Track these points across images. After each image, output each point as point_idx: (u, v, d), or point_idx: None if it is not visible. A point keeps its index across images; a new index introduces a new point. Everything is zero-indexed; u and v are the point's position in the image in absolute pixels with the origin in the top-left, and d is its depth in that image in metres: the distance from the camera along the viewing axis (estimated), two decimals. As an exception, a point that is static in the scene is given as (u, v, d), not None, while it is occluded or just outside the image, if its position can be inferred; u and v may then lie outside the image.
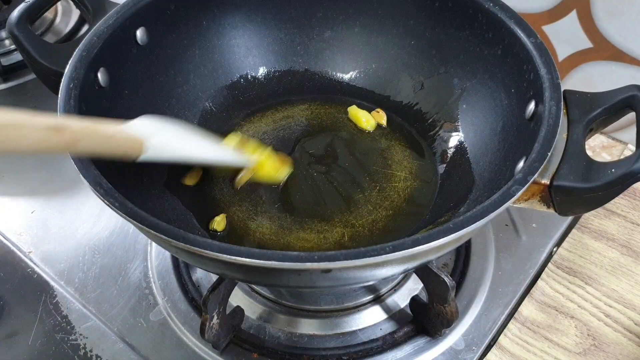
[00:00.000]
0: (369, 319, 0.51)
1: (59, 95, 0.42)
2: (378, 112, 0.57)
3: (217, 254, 0.33)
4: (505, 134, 0.48)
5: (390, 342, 0.49)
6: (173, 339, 0.50)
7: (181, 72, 0.55)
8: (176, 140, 0.45)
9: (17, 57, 0.74)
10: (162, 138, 0.43)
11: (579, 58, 0.62)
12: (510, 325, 0.50)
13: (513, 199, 0.36)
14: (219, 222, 0.49)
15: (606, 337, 0.49)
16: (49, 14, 0.80)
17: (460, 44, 0.53)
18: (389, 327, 0.50)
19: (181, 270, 0.54)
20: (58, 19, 0.81)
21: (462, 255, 0.54)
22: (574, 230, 0.56)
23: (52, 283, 0.54)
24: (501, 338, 0.49)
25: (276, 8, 0.58)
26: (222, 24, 0.57)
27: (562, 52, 0.63)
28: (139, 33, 0.50)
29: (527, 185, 0.36)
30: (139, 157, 0.41)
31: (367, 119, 0.57)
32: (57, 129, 0.34)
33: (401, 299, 0.52)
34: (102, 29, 0.47)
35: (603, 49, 0.60)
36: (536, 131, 0.40)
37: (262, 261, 0.32)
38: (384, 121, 0.57)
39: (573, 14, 0.60)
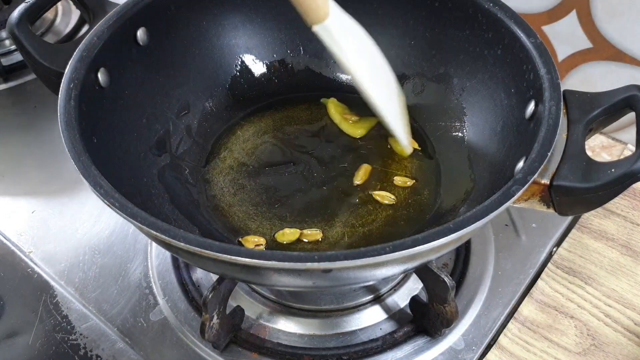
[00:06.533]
0: (369, 319, 0.51)
1: (59, 96, 0.42)
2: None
3: (217, 254, 0.33)
4: (505, 134, 0.48)
5: (390, 342, 0.49)
6: (173, 338, 0.50)
7: (181, 72, 0.55)
8: (359, 44, 0.42)
9: (17, 57, 0.74)
10: (352, 31, 0.41)
11: (578, 58, 0.62)
12: (510, 325, 0.50)
13: (513, 199, 0.36)
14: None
15: (606, 337, 0.49)
16: (49, 14, 0.80)
17: (460, 44, 0.53)
18: (388, 327, 0.50)
19: (181, 270, 0.54)
20: (58, 19, 0.81)
21: (462, 255, 0.54)
22: (573, 230, 0.56)
23: (52, 283, 0.54)
24: (501, 338, 0.49)
25: (276, 8, 0.58)
26: (222, 24, 0.57)
27: (562, 52, 0.63)
28: (139, 33, 0.50)
29: (527, 185, 0.36)
30: (318, 21, 0.38)
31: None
32: None
33: (401, 299, 0.52)
34: (102, 29, 0.47)
35: (603, 49, 0.60)
36: (536, 131, 0.40)
37: (262, 261, 0.32)
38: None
39: (573, 14, 0.60)
